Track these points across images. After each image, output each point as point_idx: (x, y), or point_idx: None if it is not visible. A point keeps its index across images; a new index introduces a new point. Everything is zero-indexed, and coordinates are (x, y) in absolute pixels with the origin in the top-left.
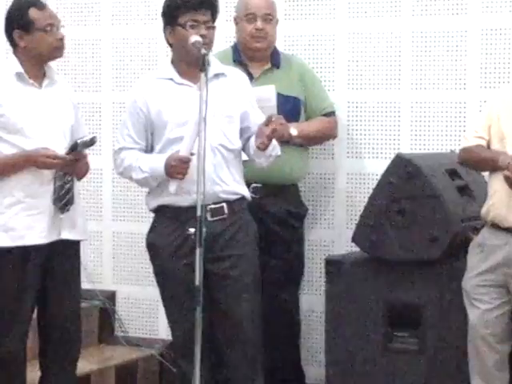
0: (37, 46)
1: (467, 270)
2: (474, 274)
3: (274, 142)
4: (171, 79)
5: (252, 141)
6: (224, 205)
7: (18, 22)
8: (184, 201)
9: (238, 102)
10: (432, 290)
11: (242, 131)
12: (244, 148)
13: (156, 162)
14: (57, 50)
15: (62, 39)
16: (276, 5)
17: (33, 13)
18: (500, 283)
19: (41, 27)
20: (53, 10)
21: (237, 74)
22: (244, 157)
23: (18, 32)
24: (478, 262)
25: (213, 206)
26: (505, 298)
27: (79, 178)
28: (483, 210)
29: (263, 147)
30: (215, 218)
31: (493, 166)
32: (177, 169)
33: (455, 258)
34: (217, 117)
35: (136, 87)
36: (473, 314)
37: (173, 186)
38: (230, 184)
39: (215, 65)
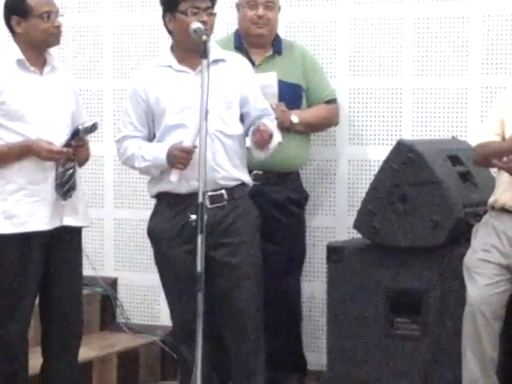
0: (33, 33)
1: (471, 246)
2: (478, 249)
3: (272, 131)
4: (170, 66)
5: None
6: (223, 192)
7: (15, 9)
8: (183, 188)
9: (237, 87)
10: (434, 276)
11: (243, 116)
12: (247, 135)
13: (158, 151)
14: (53, 37)
15: (58, 27)
16: None
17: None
18: (503, 263)
19: (37, 14)
20: None
21: (237, 60)
22: (247, 143)
23: (16, 18)
24: (482, 239)
25: (212, 193)
26: (505, 276)
27: (80, 165)
28: (491, 200)
29: (259, 146)
30: (214, 205)
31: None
32: (179, 159)
33: (457, 244)
34: (214, 103)
35: (135, 75)
36: (472, 289)
37: (174, 176)
38: (229, 170)
39: (215, 50)
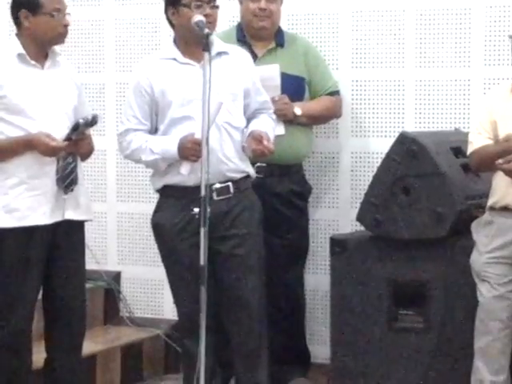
0: (41, 30)
1: (475, 248)
2: (484, 251)
3: (270, 125)
4: (174, 59)
5: (246, 133)
6: (230, 184)
7: (26, 2)
8: (190, 180)
9: (241, 79)
10: (437, 267)
11: (244, 108)
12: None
13: (168, 144)
14: (60, 36)
15: (66, 26)
16: None
17: None
18: (510, 261)
19: (47, 11)
20: None
21: (239, 52)
22: None
23: (25, 12)
24: (486, 240)
25: (218, 186)
26: None
27: (83, 159)
28: (491, 202)
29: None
30: (221, 198)
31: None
32: (192, 151)
33: (460, 236)
34: (221, 95)
35: (139, 68)
36: (484, 290)
37: (185, 168)
38: (236, 162)
39: (218, 43)
